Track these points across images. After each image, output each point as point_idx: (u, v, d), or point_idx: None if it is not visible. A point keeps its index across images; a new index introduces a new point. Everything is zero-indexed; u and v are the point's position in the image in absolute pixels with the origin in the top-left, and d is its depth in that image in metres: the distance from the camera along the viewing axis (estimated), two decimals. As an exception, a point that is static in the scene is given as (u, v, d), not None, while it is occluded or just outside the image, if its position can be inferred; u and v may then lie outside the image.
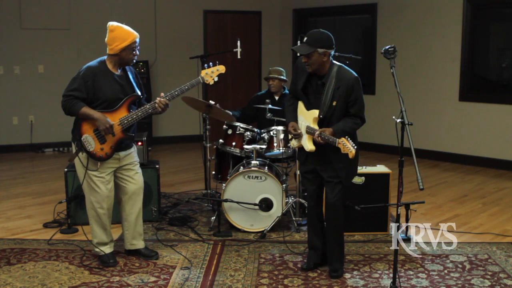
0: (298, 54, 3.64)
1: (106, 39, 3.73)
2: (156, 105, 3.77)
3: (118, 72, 3.81)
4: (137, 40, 3.76)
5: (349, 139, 3.35)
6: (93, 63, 3.77)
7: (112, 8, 8.34)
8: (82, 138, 3.69)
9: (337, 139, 3.38)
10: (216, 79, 3.95)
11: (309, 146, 3.61)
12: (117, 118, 3.73)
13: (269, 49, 9.47)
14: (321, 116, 3.55)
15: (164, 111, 3.81)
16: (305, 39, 3.56)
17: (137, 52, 3.79)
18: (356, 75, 3.57)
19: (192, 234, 4.59)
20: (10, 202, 5.60)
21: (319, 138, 3.48)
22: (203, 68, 3.94)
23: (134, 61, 3.81)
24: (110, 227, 3.96)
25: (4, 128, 8.15)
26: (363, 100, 3.58)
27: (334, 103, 3.52)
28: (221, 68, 3.95)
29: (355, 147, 3.34)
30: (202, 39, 9.03)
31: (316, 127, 3.57)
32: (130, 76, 3.89)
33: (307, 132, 3.60)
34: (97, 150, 3.71)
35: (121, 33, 3.70)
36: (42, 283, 3.61)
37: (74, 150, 3.78)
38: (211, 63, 3.97)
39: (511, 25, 7.12)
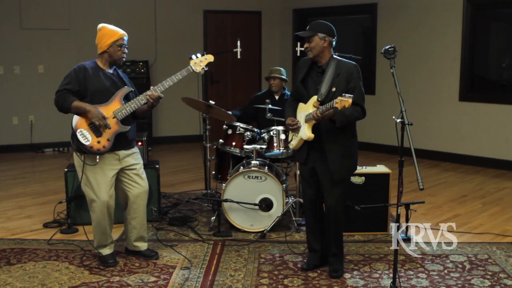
0: (298, 53, 3.66)
1: (96, 40, 3.83)
2: (148, 97, 3.78)
3: (110, 70, 3.87)
4: (125, 38, 3.82)
5: (344, 94, 3.28)
6: (85, 62, 3.86)
7: (112, 8, 8.34)
8: (77, 132, 3.68)
9: (333, 100, 3.34)
10: (206, 68, 3.99)
11: (307, 133, 3.59)
12: (110, 111, 3.74)
13: (269, 49, 9.47)
14: (319, 100, 3.55)
15: (157, 102, 3.82)
16: (307, 27, 3.64)
17: (125, 50, 3.83)
18: (355, 63, 3.62)
19: (192, 234, 4.59)
20: (10, 202, 5.60)
21: (318, 112, 3.47)
22: (191, 59, 3.97)
23: (123, 59, 3.86)
24: (111, 230, 3.95)
25: (4, 128, 8.15)
26: (362, 89, 3.59)
27: (333, 89, 3.54)
28: (209, 57, 4.00)
29: (352, 96, 3.27)
30: (202, 39, 9.03)
31: None
32: (122, 75, 3.95)
33: (306, 121, 3.60)
34: (94, 143, 3.70)
35: (108, 31, 3.80)
36: (42, 283, 3.61)
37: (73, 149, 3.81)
38: (199, 54, 4.00)
39: (511, 25, 7.12)
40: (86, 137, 3.69)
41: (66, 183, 4.72)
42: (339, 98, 3.28)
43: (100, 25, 3.85)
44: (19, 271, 3.82)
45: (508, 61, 7.09)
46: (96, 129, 3.70)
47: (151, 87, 3.85)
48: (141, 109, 3.86)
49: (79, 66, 3.79)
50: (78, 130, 3.69)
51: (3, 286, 3.57)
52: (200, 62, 3.96)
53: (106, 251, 3.94)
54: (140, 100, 3.79)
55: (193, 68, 3.93)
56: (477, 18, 7.15)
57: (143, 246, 4.08)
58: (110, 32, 3.78)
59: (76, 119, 3.71)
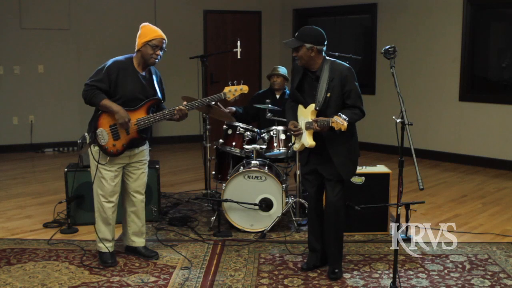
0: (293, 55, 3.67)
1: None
2: (176, 111, 3.79)
3: (143, 73, 3.84)
4: (162, 40, 3.75)
5: (341, 114, 3.34)
6: (120, 58, 3.81)
7: (112, 8, 8.34)
8: (97, 131, 3.71)
9: (330, 119, 3.37)
10: (237, 97, 3.99)
11: (309, 141, 3.60)
12: (135, 118, 3.75)
13: (269, 49, 9.46)
14: (317, 108, 3.55)
15: (181, 119, 3.83)
16: (296, 34, 3.61)
17: (159, 52, 3.76)
18: (348, 65, 3.59)
19: (192, 234, 4.59)
20: (10, 202, 5.60)
21: (316, 125, 3.48)
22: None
23: (156, 61, 3.78)
24: (114, 223, 3.95)
25: (4, 128, 8.14)
26: (358, 90, 3.58)
27: (328, 95, 3.53)
28: (245, 88, 3.98)
29: (347, 119, 3.32)
30: (202, 39, 9.03)
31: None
32: (154, 79, 3.91)
33: (307, 128, 3.61)
34: (109, 145, 3.73)
35: (146, 30, 3.78)
36: (42, 283, 3.61)
37: (87, 141, 3.81)
38: (235, 82, 4.01)
39: (511, 25, 7.12)
40: (104, 137, 3.72)
41: (66, 183, 4.72)
42: (336, 119, 3.33)
43: (143, 24, 3.82)
44: (19, 271, 3.82)
45: (508, 61, 7.09)
46: (116, 132, 3.73)
47: (184, 102, 3.85)
48: None
49: (114, 63, 3.74)
50: (99, 130, 3.72)
51: (3, 286, 3.57)
52: (234, 91, 3.95)
53: (108, 247, 3.93)
54: (166, 115, 3.79)
55: (226, 95, 3.94)
56: (477, 18, 7.15)
57: (140, 242, 4.08)
58: (148, 31, 3.74)
59: (100, 116, 3.73)
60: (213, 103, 4.81)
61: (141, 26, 3.81)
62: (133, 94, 3.75)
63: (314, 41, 3.53)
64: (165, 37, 3.78)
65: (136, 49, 3.77)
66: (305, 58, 3.56)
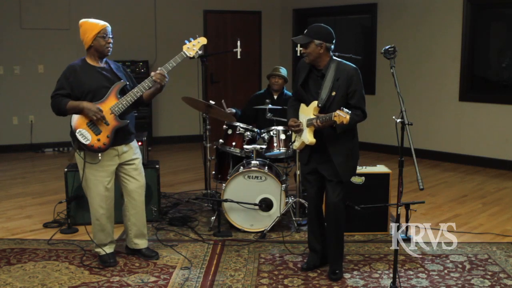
0: (298, 53, 3.66)
1: (80, 37, 3.78)
2: (154, 77, 3.74)
3: (101, 65, 3.84)
4: (108, 29, 3.77)
5: (343, 108, 3.33)
6: (74, 61, 3.84)
7: (112, 8, 8.34)
8: (76, 133, 3.67)
9: (333, 113, 3.36)
10: (199, 52, 3.92)
11: (309, 138, 3.60)
12: (107, 107, 3.72)
13: (269, 49, 9.47)
14: (320, 105, 3.55)
15: (162, 81, 3.77)
16: (305, 31, 3.62)
17: (110, 40, 3.78)
18: (355, 66, 3.60)
19: (192, 234, 4.59)
20: (10, 202, 5.60)
21: (318, 121, 3.48)
22: (187, 50, 3.93)
23: (110, 49, 3.80)
24: (111, 227, 3.95)
25: (4, 128, 8.15)
26: (362, 92, 3.59)
27: (333, 94, 3.53)
28: (202, 40, 3.93)
29: (350, 112, 3.31)
30: (202, 39, 9.03)
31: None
32: (114, 68, 3.90)
33: (308, 125, 3.61)
34: (94, 142, 3.70)
35: (89, 25, 3.77)
36: (42, 283, 3.61)
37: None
38: (191, 38, 3.93)
39: (511, 25, 7.12)
40: (85, 136, 3.69)
41: (66, 183, 4.72)
42: (338, 112, 3.31)
43: (80, 21, 3.81)
44: (19, 271, 3.82)
45: (508, 61, 7.09)
46: (95, 127, 3.70)
47: (159, 68, 3.80)
48: (148, 93, 3.84)
49: (68, 67, 3.78)
50: (77, 131, 3.68)
51: (3, 286, 3.57)
52: (193, 46, 3.89)
53: (106, 250, 3.94)
54: (137, 93, 3.76)
55: (186, 53, 3.87)
56: (477, 18, 7.15)
57: (143, 243, 4.07)
58: (91, 25, 3.75)
59: (74, 119, 3.70)
60: (213, 103, 4.85)
61: (80, 24, 3.78)
62: (99, 84, 3.74)
63: (323, 38, 3.54)
64: (108, 24, 3.80)
65: (86, 46, 3.77)
66: (313, 54, 3.56)
